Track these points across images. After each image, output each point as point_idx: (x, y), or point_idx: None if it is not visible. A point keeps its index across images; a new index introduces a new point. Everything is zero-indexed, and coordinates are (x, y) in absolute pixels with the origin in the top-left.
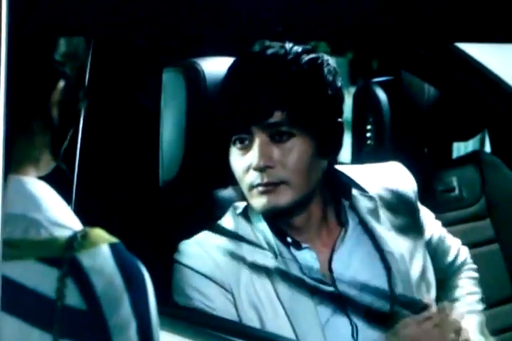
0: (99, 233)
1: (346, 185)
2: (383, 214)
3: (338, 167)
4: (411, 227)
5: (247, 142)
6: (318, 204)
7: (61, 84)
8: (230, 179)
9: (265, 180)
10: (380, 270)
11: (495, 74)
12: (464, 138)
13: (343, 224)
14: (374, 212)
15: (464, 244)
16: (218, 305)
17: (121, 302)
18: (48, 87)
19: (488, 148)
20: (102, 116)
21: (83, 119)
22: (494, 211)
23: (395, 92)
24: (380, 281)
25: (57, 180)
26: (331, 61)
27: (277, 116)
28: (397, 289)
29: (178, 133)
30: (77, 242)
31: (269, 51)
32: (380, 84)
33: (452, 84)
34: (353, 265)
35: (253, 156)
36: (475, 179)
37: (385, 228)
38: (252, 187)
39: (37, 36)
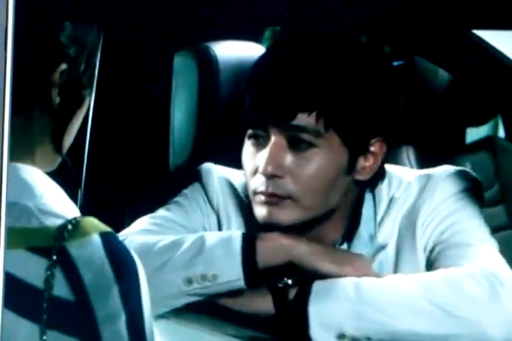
0: (91, 222)
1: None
2: (392, 257)
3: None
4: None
5: (261, 140)
6: (340, 221)
7: (63, 66)
8: (240, 163)
9: (270, 190)
10: None
11: (509, 59)
12: (478, 123)
13: None
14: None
15: None
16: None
17: (109, 293)
18: (48, 67)
19: (501, 134)
20: (112, 102)
21: (94, 105)
22: (508, 197)
23: (407, 77)
24: None
25: (65, 168)
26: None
27: (301, 120)
28: None
29: (189, 117)
30: (67, 231)
31: (321, 39)
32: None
33: (466, 68)
34: None
35: (263, 158)
36: (488, 165)
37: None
38: (255, 192)
39: (44, 19)
